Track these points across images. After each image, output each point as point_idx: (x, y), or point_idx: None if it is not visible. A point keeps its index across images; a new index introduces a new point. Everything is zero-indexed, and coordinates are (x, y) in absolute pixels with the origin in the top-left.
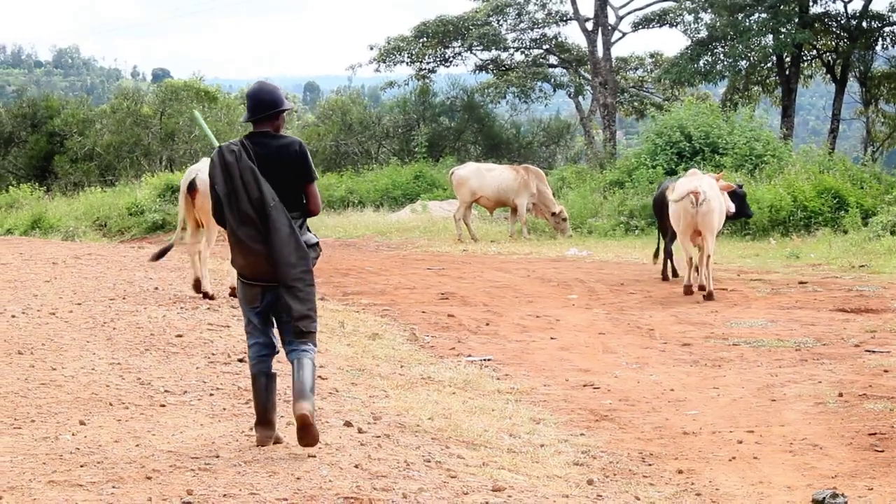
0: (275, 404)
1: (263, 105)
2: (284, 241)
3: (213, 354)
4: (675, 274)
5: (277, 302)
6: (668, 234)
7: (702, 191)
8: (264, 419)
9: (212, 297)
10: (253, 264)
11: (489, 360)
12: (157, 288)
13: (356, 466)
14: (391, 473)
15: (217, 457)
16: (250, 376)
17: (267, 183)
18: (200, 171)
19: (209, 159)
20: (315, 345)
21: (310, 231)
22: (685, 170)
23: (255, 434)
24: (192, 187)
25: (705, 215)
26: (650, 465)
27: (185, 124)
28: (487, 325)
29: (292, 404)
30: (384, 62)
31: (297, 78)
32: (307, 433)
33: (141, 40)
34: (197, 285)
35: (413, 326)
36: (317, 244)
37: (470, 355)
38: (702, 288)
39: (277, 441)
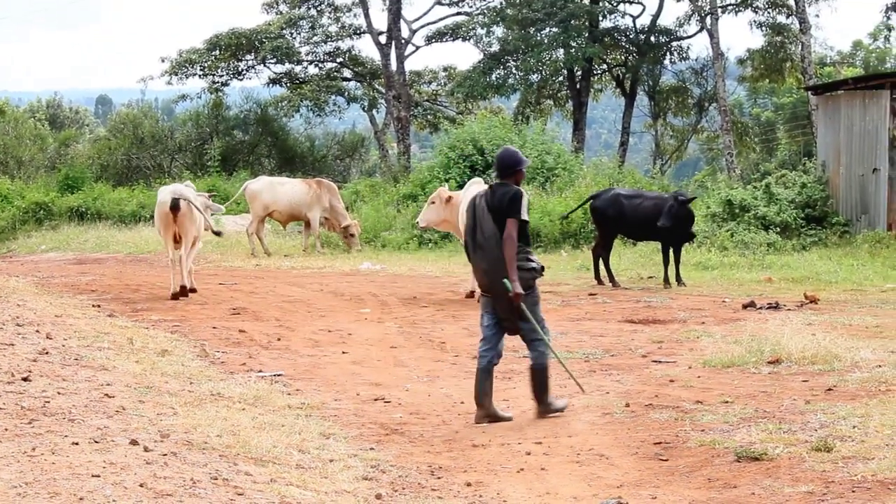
0: (487, 392)
1: (503, 166)
2: (496, 263)
3: None
4: (611, 279)
5: (495, 309)
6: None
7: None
8: (477, 403)
9: (193, 291)
10: (481, 280)
11: (280, 375)
12: None
13: (141, 486)
14: (177, 492)
15: None
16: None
17: (490, 220)
18: (182, 193)
19: (173, 185)
20: (544, 341)
21: (531, 259)
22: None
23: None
24: (175, 207)
25: None
26: (439, 478)
27: None
28: (279, 340)
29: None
30: (176, 75)
31: (89, 91)
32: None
33: None
34: (183, 291)
35: (203, 342)
36: (534, 269)
37: (261, 371)
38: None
39: (493, 419)
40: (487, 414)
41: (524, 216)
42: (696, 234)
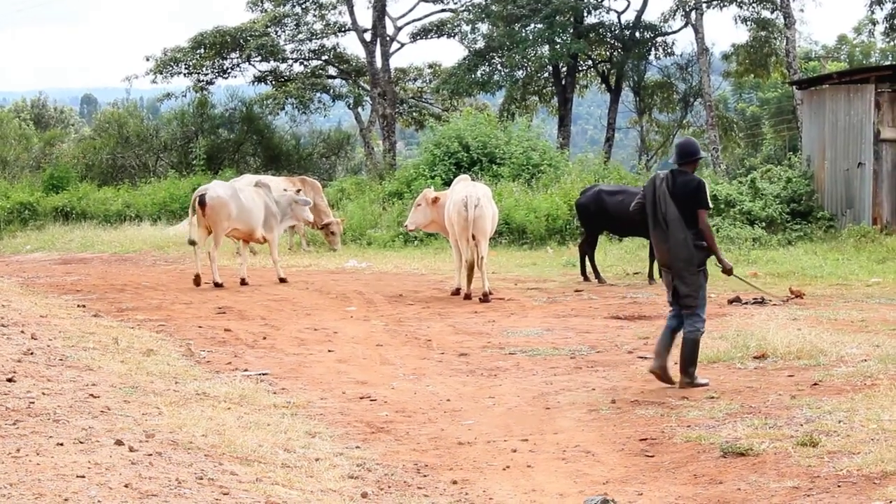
0: (667, 350)
1: (683, 154)
2: (678, 244)
3: None
4: (596, 276)
5: (674, 284)
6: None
7: (476, 196)
8: (656, 355)
9: (221, 286)
10: (662, 256)
11: (266, 374)
12: None
13: (126, 486)
14: (162, 492)
15: None
16: None
17: (672, 204)
18: (209, 188)
19: (218, 181)
20: (701, 317)
21: (703, 240)
22: None
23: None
24: (202, 202)
25: (478, 219)
26: (425, 476)
27: None
28: (265, 338)
29: None
30: (161, 73)
31: (74, 90)
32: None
33: None
34: (197, 280)
35: (189, 342)
36: (705, 247)
37: (246, 370)
38: (467, 296)
39: (664, 379)
40: (661, 366)
41: (710, 204)
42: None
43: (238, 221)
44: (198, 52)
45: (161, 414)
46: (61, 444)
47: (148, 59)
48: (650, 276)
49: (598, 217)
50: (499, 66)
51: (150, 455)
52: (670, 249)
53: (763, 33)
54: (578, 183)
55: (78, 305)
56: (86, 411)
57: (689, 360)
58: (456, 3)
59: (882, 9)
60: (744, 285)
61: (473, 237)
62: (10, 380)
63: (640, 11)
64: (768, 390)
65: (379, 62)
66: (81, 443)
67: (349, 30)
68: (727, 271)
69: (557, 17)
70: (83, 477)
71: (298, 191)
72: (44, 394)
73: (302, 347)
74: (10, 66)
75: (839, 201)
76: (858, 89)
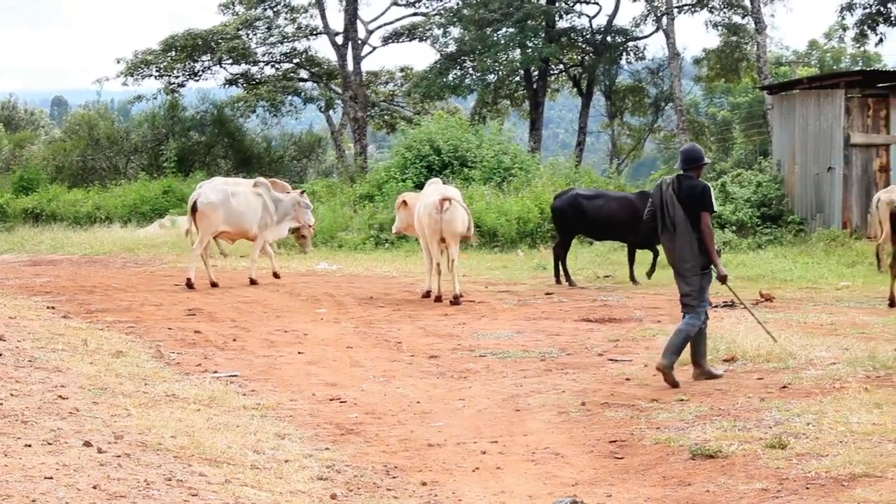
0: (702, 354)
1: (689, 160)
2: (683, 245)
3: None
4: (567, 279)
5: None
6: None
7: (448, 198)
8: (694, 363)
9: (192, 287)
10: (669, 257)
11: (235, 375)
12: None
13: (94, 487)
14: (130, 493)
15: None
16: None
17: (680, 208)
18: (201, 194)
19: (210, 185)
20: (699, 316)
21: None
22: None
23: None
24: (194, 208)
25: (449, 222)
26: (395, 478)
27: None
28: (235, 340)
29: None
30: (132, 76)
31: (44, 92)
32: (665, 379)
33: None
34: (189, 283)
35: (159, 343)
36: (715, 250)
37: (216, 371)
38: (437, 299)
39: (710, 376)
40: (703, 372)
41: (715, 208)
42: None
43: (227, 225)
44: (169, 54)
45: (130, 415)
46: (29, 446)
47: (119, 62)
48: (633, 278)
49: (576, 221)
50: (470, 70)
51: (119, 456)
52: (676, 251)
53: (734, 38)
54: (550, 186)
55: (47, 307)
56: (54, 413)
57: (677, 348)
58: (428, 7)
59: (852, 14)
60: (731, 294)
61: (444, 240)
62: None
63: (612, 16)
64: (738, 393)
65: (350, 65)
66: (50, 444)
67: (321, 33)
68: (722, 279)
69: (529, 22)
70: (51, 478)
71: (303, 192)
72: (12, 395)
73: (272, 349)
74: None
75: (809, 205)
76: (829, 94)
